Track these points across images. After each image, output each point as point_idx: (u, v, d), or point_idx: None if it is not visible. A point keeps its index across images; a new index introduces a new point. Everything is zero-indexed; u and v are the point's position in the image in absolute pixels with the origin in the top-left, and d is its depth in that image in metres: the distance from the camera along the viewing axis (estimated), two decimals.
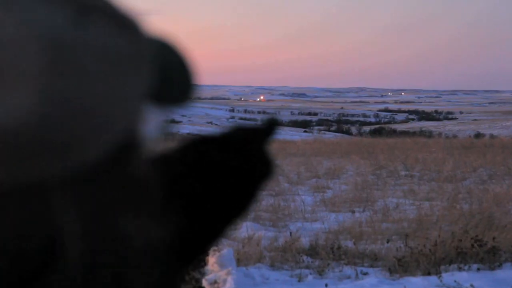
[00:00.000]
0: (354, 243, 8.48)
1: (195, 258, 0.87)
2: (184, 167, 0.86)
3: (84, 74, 0.52)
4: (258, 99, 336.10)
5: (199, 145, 0.89)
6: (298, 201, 11.62)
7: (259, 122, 0.96)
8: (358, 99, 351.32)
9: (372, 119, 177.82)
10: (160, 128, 0.69)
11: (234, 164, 0.88)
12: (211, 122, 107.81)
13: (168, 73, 0.69)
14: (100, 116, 0.54)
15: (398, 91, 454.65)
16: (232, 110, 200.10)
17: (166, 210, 0.68)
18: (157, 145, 0.68)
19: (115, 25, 0.56)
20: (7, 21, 0.51)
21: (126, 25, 0.58)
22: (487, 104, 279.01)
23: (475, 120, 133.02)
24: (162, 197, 0.68)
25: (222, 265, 6.42)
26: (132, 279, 0.62)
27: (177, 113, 0.75)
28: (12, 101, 0.50)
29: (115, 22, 0.56)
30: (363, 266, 7.73)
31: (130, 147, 0.61)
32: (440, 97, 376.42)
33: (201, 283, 6.26)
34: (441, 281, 6.82)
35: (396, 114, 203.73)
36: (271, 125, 0.94)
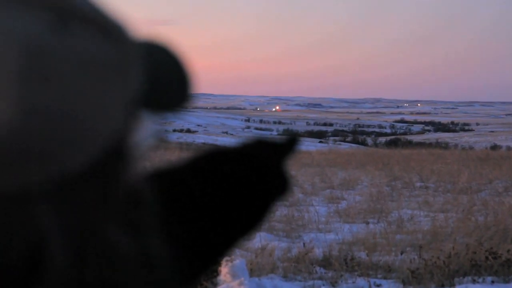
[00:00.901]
0: (367, 255, 8.44)
1: (206, 269, 0.86)
2: (196, 178, 0.85)
3: (64, 81, 0.51)
4: (274, 109, 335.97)
5: (217, 157, 0.88)
6: (312, 211, 11.58)
7: (280, 138, 0.94)
8: (374, 110, 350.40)
9: (388, 130, 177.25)
10: (154, 135, 0.68)
11: (250, 178, 0.87)
12: (226, 132, 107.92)
13: (160, 77, 0.68)
14: (82, 124, 0.53)
15: (414, 102, 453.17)
16: (248, 120, 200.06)
17: (164, 221, 0.67)
18: (151, 153, 0.67)
19: (97, 31, 0.55)
20: None
21: (109, 31, 0.56)
22: (504, 116, 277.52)
23: (492, 131, 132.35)
24: (158, 207, 0.67)
25: (234, 276, 6.40)
26: None
27: (172, 119, 0.74)
28: None
29: (97, 28, 0.55)
30: (376, 277, 7.68)
31: (118, 155, 0.60)
32: (456, 108, 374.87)
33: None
34: None
35: (412, 125, 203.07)
36: (292, 141, 0.93)
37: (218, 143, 54.91)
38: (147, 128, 0.66)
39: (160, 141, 0.70)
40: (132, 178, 0.63)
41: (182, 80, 0.70)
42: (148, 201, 0.66)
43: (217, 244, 0.86)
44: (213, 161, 0.88)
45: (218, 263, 0.88)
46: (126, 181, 0.62)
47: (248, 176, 0.88)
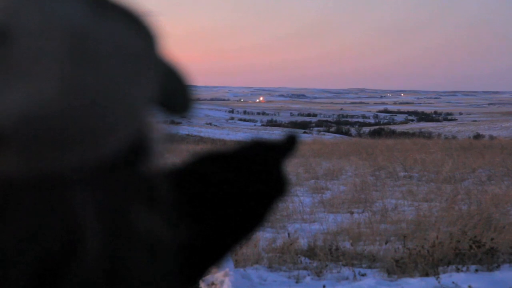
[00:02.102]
0: (352, 244, 8.47)
1: (203, 271, 0.85)
2: (196, 182, 0.84)
3: (102, 67, 0.53)
4: (258, 100, 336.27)
5: (215, 160, 0.88)
6: (297, 202, 11.60)
7: (278, 138, 0.92)
8: (357, 100, 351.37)
9: (372, 120, 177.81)
10: (166, 134, 0.69)
11: (247, 181, 0.87)
12: (210, 123, 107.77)
13: (172, 82, 0.69)
14: (117, 110, 0.54)
15: (397, 92, 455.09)
16: (232, 111, 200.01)
17: (177, 215, 0.67)
18: (165, 151, 0.68)
19: (133, 24, 0.57)
20: (30, 11, 0.51)
21: (143, 26, 0.59)
22: (486, 105, 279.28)
23: (475, 121, 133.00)
24: (173, 202, 0.67)
25: (219, 266, 6.40)
26: (144, 277, 0.62)
27: (177, 121, 0.75)
28: (35, 90, 0.50)
29: (132, 21, 0.57)
30: (361, 267, 7.72)
31: (142, 147, 0.62)
32: (439, 98, 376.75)
33: (198, 284, 6.25)
34: (439, 282, 6.81)
35: (396, 115, 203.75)
36: (291, 142, 0.92)
37: (202, 134, 54.93)
38: (161, 128, 0.67)
39: (172, 142, 0.71)
40: (152, 171, 0.64)
41: (187, 89, 0.71)
42: (165, 196, 0.66)
43: (216, 246, 0.85)
44: (211, 164, 0.87)
45: (214, 266, 0.87)
46: (148, 173, 0.63)
47: (246, 179, 0.87)
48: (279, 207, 7.28)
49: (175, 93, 0.69)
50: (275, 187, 0.90)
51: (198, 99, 0.72)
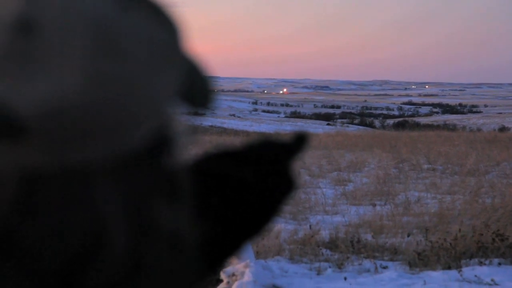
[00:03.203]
0: (374, 237, 8.45)
1: (217, 265, 0.86)
2: (209, 178, 0.84)
3: (127, 59, 0.53)
4: (281, 92, 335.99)
5: (224, 158, 0.88)
6: (319, 194, 11.58)
7: (288, 137, 0.92)
8: (381, 92, 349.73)
9: (396, 112, 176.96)
10: (188, 129, 0.69)
11: (257, 180, 0.86)
12: (234, 115, 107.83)
13: (194, 76, 0.69)
14: (142, 103, 0.54)
15: (422, 84, 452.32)
16: (255, 103, 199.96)
17: (197, 210, 0.67)
18: (187, 145, 0.68)
19: (157, 17, 0.57)
20: (54, 3, 0.51)
21: (167, 20, 0.58)
22: None
23: (500, 113, 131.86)
24: (194, 196, 0.67)
25: (240, 258, 6.40)
26: (166, 273, 0.62)
27: (198, 117, 0.75)
28: (58, 83, 0.50)
29: (157, 14, 0.57)
30: (382, 259, 7.69)
31: (165, 141, 0.61)
32: (464, 90, 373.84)
33: (218, 275, 6.26)
34: (461, 275, 6.77)
35: (420, 107, 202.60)
36: (300, 141, 0.91)
37: (225, 125, 55.00)
38: (184, 122, 0.67)
39: (194, 135, 0.71)
40: (174, 166, 0.64)
41: (208, 81, 0.71)
42: (187, 190, 0.66)
43: (229, 240, 0.86)
44: (220, 163, 0.87)
45: (224, 263, 0.88)
46: (169, 168, 0.63)
47: (257, 177, 0.87)
48: (301, 199, 7.32)
49: (196, 86, 0.69)
50: (284, 186, 0.90)
51: (219, 92, 0.72)
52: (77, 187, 0.54)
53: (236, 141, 0.92)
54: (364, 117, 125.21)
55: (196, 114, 0.71)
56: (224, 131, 41.69)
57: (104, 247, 0.55)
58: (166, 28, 0.58)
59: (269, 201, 0.88)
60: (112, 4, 0.53)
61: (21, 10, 0.50)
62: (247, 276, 6.14)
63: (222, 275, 6.22)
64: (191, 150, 0.75)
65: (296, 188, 0.91)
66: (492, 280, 6.60)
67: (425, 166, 15.75)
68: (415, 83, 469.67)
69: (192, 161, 0.86)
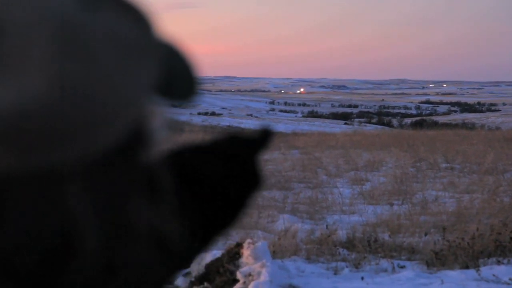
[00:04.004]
0: (391, 236, 8.41)
1: (184, 263, 0.86)
2: (177, 174, 0.85)
3: (94, 59, 0.52)
4: (298, 91, 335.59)
5: (190, 153, 0.88)
6: (336, 193, 11.56)
7: (253, 132, 0.93)
8: (399, 91, 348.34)
9: (414, 111, 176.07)
10: (168, 124, 0.69)
11: (223, 175, 0.87)
12: (251, 115, 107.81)
13: (173, 67, 0.69)
14: (111, 103, 0.53)
15: (439, 83, 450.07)
16: (272, 103, 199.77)
17: (176, 205, 0.68)
18: (165, 140, 0.68)
19: (126, 14, 0.56)
20: (18, 4, 0.50)
21: (137, 15, 0.58)
22: None
23: None
24: (172, 192, 0.67)
25: (256, 258, 6.40)
26: (145, 270, 0.62)
27: (181, 110, 0.74)
28: (22, 86, 0.49)
29: (126, 11, 0.56)
30: (400, 259, 7.66)
31: (140, 137, 0.61)
32: (482, 88, 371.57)
33: (235, 275, 6.26)
34: (479, 274, 6.73)
35: (438, 106, 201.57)
36: (265, 135, 0.92)
37: (243, 125, 55.01)
38: (163, 116, 0.66)
39: (174, 130, 0.71)
40: (151, 162, 0.64)
41: (191, 73, 0.71)
42: (165, 184, 0.66)
43: (196, 239, 0.86)
44: (188, 159, 0.88)
45: (192, 260, 0.89)
46: (146, 164, 0.63)
47: (223, 172, 0.88)
48: (318, 198, 7.31)
49: (176, 79, 0.69)
50: (251, 180, 0.91)
51: (203, 85, 0.71)
52: (47, 189, 0.53)
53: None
54: (381, 116, 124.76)
55: (177, 106, 0.71)
56: (241, 131, 41.66)
57: (76, 247, 0.55)
58: (136, 24, 0.57)
59: (237, 195, 0.89)
60: (77, 4, 0.52)
61: None
62: (264, 276, 6.14)
63: (239, 275, 6.22)
64: (167, 145, 0.76)
65: (262, 182, 0.92)
66: (510, 279, 6.56)
67: (443, 165, 15.67)
68: (433, 82, 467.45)
69: (162, 156, 0.87)
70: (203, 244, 0.88)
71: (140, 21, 0.58)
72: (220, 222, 0.88)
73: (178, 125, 0.72)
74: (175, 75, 0.69)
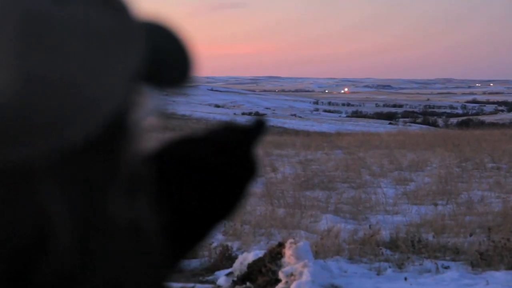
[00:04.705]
0: (435, 236, 8.31)
1: (182, 255, 0.86)
2: (173, 164, 0.85)
3: (64, 50, 0.50)
4: (342, 91, 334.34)
5: (187, 144, 0.88)
6: (380, 193, 11.47)
7: (247, 122, 0.94)
8: (444, 91, 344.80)
9: (459, 111, 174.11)
10: (156, 111, 0.67)
11: (219, 165, 0.87)
12: (295, 115, 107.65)
13: (161, 54, 0.67)
14: (84, 95, 0.52)
15: (486, 82, 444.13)
16: (316, 103, 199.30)
17: (156, 198, 0.66)
18: (153, 128, 0.66)
19: (99, 3, 0.54)
20: None
21: (111, 3, 0.55)
22: None
23: None
24: (153, 184, 0.66)
25: (298, 258, 6.39)
26: (124, 264, 0.61)
27: (174, 97, 0.73)
28: None
29: (98, 1, 0.54)
30: (444, 259, 7.57)
31: (119, 129, 0.59)
32: None
33: (277, 275, 6.26)
34: None
35: (485, 106, 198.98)
36: (259, 126, 0.93)
37: (286, 125, 54.93)
38: (149, 104, 0.64)
39: (163, 118, 0.70)
40: (132, 154, 0.62)
41: (183, 58, 0.69)
42: (145, 178, 0.65)
43: (188, 230, 0.86)
44: (185, 148, 0.88)
45: (195, 249, 0.89)
46: (127, 156, 0.61)
47: (219, 161, 0.88)
48: (362, 198, 7.27)
49: (166, 63, 0.67)
50: (247, 170, 0.91)
51: (197, 71, 0.70)
52: (17, 185, 0.52)
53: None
54: (427, 116, 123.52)
55: (169, 94, 0.69)
56: (285, 131, 41.68)
57: (49, 241, 0.53)
58: (110, 12, 0.55)
59: (233, 186, 0.89)
60: None
61: None
62: (306, 276, 6.12)
63: (281, 275, 6.21)
64: (157, 136, 0.74)
65: (258, 172, 0.92)
66: None
67: (489, 165, 15.45)
68: (480, 81, 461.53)
69: (155, 148, 0.86)
70: (200, 235, 0.87)
71: (115, 9, 0.56)
72: (216, 212, 0.88)
73: (167, 114, 0.71)
74: (163, 59, 0.67)
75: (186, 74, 0.69)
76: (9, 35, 0.48)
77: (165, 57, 0.67)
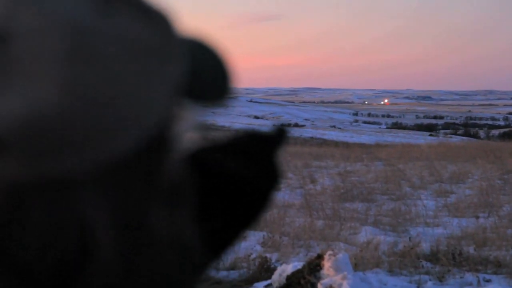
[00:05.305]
0: (475, 249, 8.21)
1: (207, 264, 0.86)
2: (201, 173, 0.85)
3: (106, 65, 0.51)
4: (382, 103, 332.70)
5: (209, 153, 0.89)
6: (420, 205, 11.36)
7: (269, 130, 0.95)
8: (486, 102, 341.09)
9: (502, 122, 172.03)
10: (196, 126, 0.68)
11: (242, 173, 0.88)
12: (334, 126, 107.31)
13: (201, 70, 0.68)
14: (127, 108, 0.52)
15: None
16: (356, 114, 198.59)
17: (196, 209, 0.67)
18: (192, 142, 0.67)
19: (142, 17, 0.55)
20: (28, 10, 0.49)
21: (154, 18, 0.56)
22: None
23: None
24: (193, 197, 0.67)
25: (337, 270, 6.35)
26: (165, 278, 0.61)
27: (212, 113, 0.74)
28: (34, 92, 0.48)
29: (142, 14, 0.55)
30: (485, 273, 7.46)
31: (160, 142, 0.60)
32: None
33: (316, 287, 6.23)
34: None
35: None
36: (281, 134, 0.94)
37: (325, 137, 54.83)
38: (189, 118, 0.65)
39: (203, 131, 0.70)
40: (173, 167, 0.63)
41: (223, 75, 0.70)
42: (186, 190, 0.66)
43: (223, 236, 0.86)
44: (204, 157, 0.88)
45: (222, 256, 0.89)
46: (168, 170, 0.62)
47: (241, 170, 0.88)
48: (401, 210, 7.20)
49: (206, 78, 0.67)
50: (269, 177, 0.91)
51: (236, 87, 0.70)
52: (61, 196, 0.53)
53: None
54: (468, 127, 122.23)
55: (209, 109, 0.70)
56: (324, 142, 41.58)
57: (92, 253, 0.54)
58: (153, 27, 0.55)
59: (256, 194, 0.89)
60: (91, 9, 0.51)
61: None
62: None
63: (319, 287, 6.19)
64: (190, 148, 0.75)
65: (280, 180, 0.92)
66: None
67: None
68: None
69: (184, 160, 0.87)
70: (230, 243, 0.88)
71: (158, 24, 0.56)
72: (242, 219, 0.88)
73: (207, 128, 0.72)
74: (204, 75, 0.68)
75: (225, 90, 0.70)
76: (55, 47, 0.49)
77: (205, 73, 0.68)
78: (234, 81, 0.70)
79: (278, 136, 0.93)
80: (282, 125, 0.95)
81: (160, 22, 0.57)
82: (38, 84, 0.48)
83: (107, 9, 0.52)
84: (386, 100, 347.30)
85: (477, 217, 10.51)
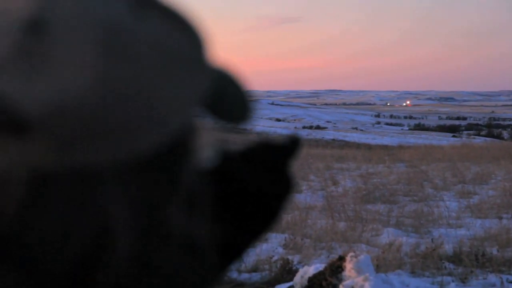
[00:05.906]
0: (499, 250, 8.15)
1: (221, 269, 0.87)
2: (217, 181, 0.86)
3: (137, 64, 0.52)
4: (404, 104, 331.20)
5: (223, 161, 0.89)
6: (442, 207, 11.31)
7: (282, 139, 0.95)
8: (509, 103, 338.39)
9: None
10: (214, 141, 0.69)
11: (255, 182, 0.89)
12: (356, 128, 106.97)
13: (222, 94, 0.69)
14: (154, 107, 0.54)
15: None
16: (378, 116, 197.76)
17: (213, 214, 0.68)
18: (209, 153, 0.69)
19: (176, 26, 0.57)
20: (66, 4, 0.51)
21: (187, 29, 0.58)
22: None
23: None
24: (210, 202, 0.68)
25: (359, 271, 6.34)
26: (178, 279, 0.62)
27: (231, 130, 0.75)
28: (68, 80, 0.50)
29: (176, 23, 0.57)
30: (509, 274, 7.40)
31: (183, 147, 0.61)
32: None
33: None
34: None
35: None
36: (294, 142, 0.94)
37: (347, 139, 54.64)
38: (210, 132, 0.67)
39: (219, 149, 0.72)
40: (192, 173, 0.64)
41: (245, 98, 0.72)
42: (203, 197, 0.67)
43: (235, 244, 0.88)
44: (225, 164, 0.89)
45: (230, 267, 0.90)
46: (187, 174, 0.63)
47: (258, 178, 0.89)
48: (424, 211, 7.18)
49: (227, 103, 0.69)
50: (282, 186, 0.92)
51: (255, 107, 0.72)
52: (84, 189, 0.53)
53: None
54: (491, 128, 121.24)
55: (227, 126, 0.71)
56: (346, 144, 41.46)
57: (110, 250, 0.55)
58: (186, 37, 0.57)
59: (269, 202, 0.90)
60: (127, 9, 0.53)
61: (31, 9, 0.51)
62: None
63: None
64: (208, 160, 0.76)
65: (293, 189, 0.93)
66: None
67: None
68: None
69: (203, 170, 0.88)
70: (235, 254, 0.89)
71: (190, 36, 0.58)
72: (255, 228, 0.90)
73: (225, 144, 0.74)
74: (226, 99, 0.69)
75: (244, 114, 0.71)
76: (90, 40, 0.50)
77: (227, 95, 0.69)
78: (254, 110, 0.72)
79: (292, 145, 0.93)
80: (296, 134, 0.95)
81: (193, 35, 0.58)
82: (72, 73, 0.50)
83: (142, 13, 0.54)
84: (408, 102, 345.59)
85: (500, 218, 10.44)
